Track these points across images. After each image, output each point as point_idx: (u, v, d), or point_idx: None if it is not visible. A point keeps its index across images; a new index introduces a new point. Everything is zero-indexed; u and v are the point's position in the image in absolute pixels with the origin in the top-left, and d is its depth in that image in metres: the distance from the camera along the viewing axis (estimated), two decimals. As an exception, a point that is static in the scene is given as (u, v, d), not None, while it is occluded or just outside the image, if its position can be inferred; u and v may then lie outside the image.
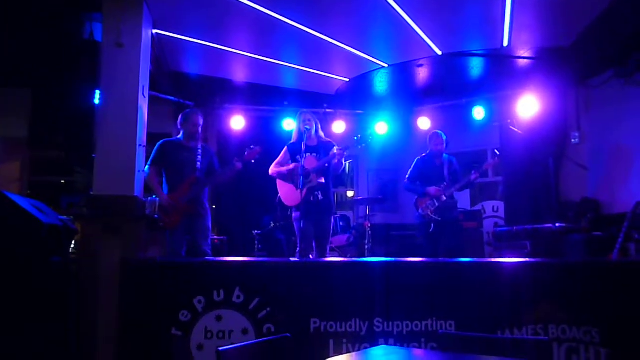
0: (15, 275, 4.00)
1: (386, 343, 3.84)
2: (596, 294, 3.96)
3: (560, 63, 7.04)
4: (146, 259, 4.98)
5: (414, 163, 6.58)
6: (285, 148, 5.75)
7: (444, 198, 6.15)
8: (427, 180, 6.35)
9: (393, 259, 4.56)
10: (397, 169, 9.98)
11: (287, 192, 5.57)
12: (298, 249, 5.50)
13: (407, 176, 6.58)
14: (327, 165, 5.46)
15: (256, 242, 7.89)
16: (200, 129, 5.47)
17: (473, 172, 6.24)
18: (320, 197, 5.42)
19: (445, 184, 6.20)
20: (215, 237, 7.82)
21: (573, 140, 7.78)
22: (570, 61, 6.96)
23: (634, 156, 6.74)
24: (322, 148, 5.57)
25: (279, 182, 5.66)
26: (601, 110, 7.43)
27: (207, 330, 3.82)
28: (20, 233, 4.05)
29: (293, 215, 5.59)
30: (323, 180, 5.48)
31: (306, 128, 5.49)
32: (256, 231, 7.94)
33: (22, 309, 3.99)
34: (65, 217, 5.14)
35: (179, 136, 5.48)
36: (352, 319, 3.87)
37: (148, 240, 5.38)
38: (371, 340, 3.84)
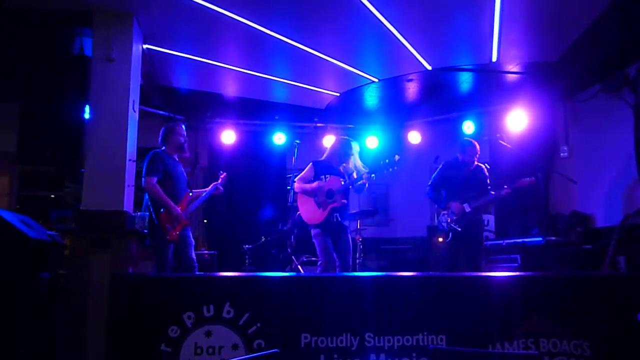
0: (1, 291, 3.96)
1: (377, 358, 3.82)
2: (587, 308, 3.97)
3: (549, 78, 7.12)
4: (135, 274, 4.94)
5: (440, 168, 6.27)
6: (311, 164, 5.72)
7: (468, 209, 5.88)
8: (453, 189, 6.07)
9: (384, 273, 4.56)
10: (387, 182, 10.02)
11: (308, 210, 5.58)
12: (320, 261, 5.57)
13: (429, 182, 6.28)
14: (350, 186, 5.54)
15: (246, 257, 7.85)
16: (187, 140, 5.47)
17: (505, 187, 5.91)
18: (339, 218, 5.51)
19: (471, 196, 5.92)
20: (206, 251, 7.78)
21: (562, 154, 7.85)
22: (558, 76, 7.03)
23: (622, 169, 6.79)
24: (344, 169, 5.66)
25: (300, 199, 5.69)
26: (589, 124, 7.50)
27: (197, 346, 3.78)
28: (7, 248, 4.01)
29: (312, 232, 5.61)
30: (345, 201, 5.53)
31: (351, 154, 5.70)
32: (246, 246, 7.91)
33: (9, 324, 3.95)
34: (54, 232, 5.10)
35: (163, 149, 5.39)
36: (343, 334, 3.85)
37: (138, 255, 5.35)
38: (362, 355, 3.82)
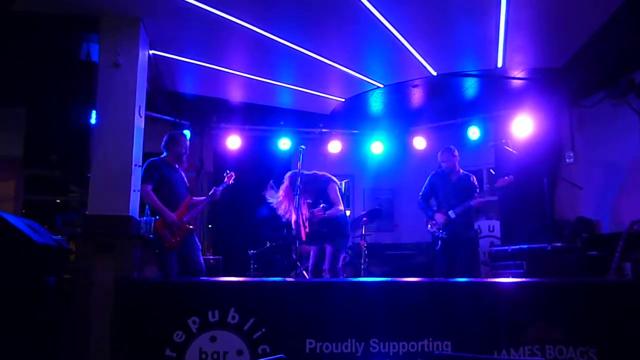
0: (7, 294, 3.97)
1: (382, 364, 3.81)
2: (593, 314, 3.95)
3: (554, 84, 7.11)
4: (140, 278, 4.95)
5: (428, 179, 6.48)
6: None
7: (453, 216, 6.06)
8: (440, 198, 6.29)
9: (389, 279, 4.55)
10: (392, 188, 10.01)
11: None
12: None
13: (420, 193, 6.48)
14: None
15: (251, 262, 7.85)
16: (188, 151, 5.52)
17: (475, 196, 6.09)
18: (324, 230, 5.68)
19: (457, 202, 6.10)
20: (211, 256, 7.78)
21: (567, 160, 7.82)
22: (564, 82, 7.02)
23: (628, 176, 6.77)
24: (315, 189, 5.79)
25: None
26: (595, 130, 7.48)
27: (202, 352, 3.78)
28: (13, 253, 4.03)
29: None
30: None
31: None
32: (252, 251, 7.90)
33: (15, 327, 3.95)
34: (59, 236, 5.11)
35: (162, 156, 5.45)
36: (348, 339, 3.85)
37: (143, 260, 5.36)
38: (367, 361, 3.81)
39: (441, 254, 6.19)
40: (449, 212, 6.09)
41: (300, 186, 5.50)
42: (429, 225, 6.27)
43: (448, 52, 6.30)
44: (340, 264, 5.74)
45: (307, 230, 5.64)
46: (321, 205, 5.57)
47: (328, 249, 5.70)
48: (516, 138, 7.74)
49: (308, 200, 5.70)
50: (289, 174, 5.83)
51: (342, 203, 5.79)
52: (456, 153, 6.32)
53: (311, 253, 5.94)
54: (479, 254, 8.14)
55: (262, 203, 6.14)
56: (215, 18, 5.30)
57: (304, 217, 5.59)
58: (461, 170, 6.36)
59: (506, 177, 6.21)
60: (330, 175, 5.88)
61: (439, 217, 6.15)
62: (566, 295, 4.06)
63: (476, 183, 6.31)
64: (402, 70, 6.84)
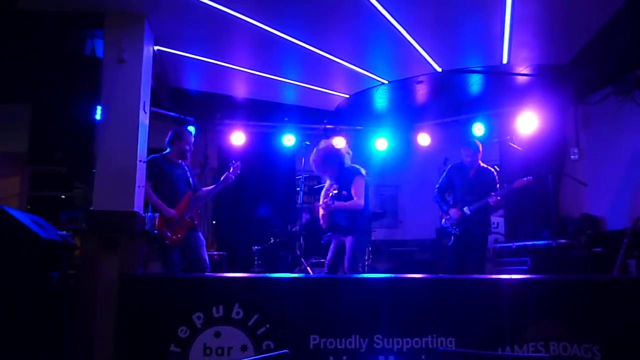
0: (13, 290, 3.99)
1: (386, 360, 3.82)
2: (597, 311, 3.95)
3: (559, 80, 7.08)
4: (145, 274, 4.96)
5: (445, 172, 6.43)
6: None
7: (468, 212, 6.01)
8: (456, 192, 6.24)
9: (393, 275, 4.55)
10: (397, 184, 10.00)
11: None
12: None
13: (436, 186, 6.44)
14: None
15: (256, 258, 7.86)
16: (192, 148, 5.53)
17: (492, 195, 5.99)
18: (342, 222, 5.46)
19: (474, 199, 6.02)
20: (215, 252, 7.80)
21: (572, 157, 7.80)
22: (569, 78, 7.00)
23: (633, 172, 6.75)
24: (342, 177, 5.58)
25: None
26: (600, 126, 7.45)
27: (206, 347, 3.80)
28: (19, 248, 4.04)
29: None
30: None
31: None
32: (256, 247, 7.92)
33: (20, 323, 3.97)
34: (64, 232, 5.13)
35: (165, 152, 5.50)
36: (352, 335, 3.85)
37: (147, 255, 5.37)
38: (371, 357, 3.82)
39: (452, 250, 6.14)
40: (464, 209, 6.04)
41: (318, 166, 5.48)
42: (443, 220, 6.24)
43: (453, 48, 6.28)
44: (360, 262, 5.49)
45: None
46: (330, 194, 5.33)
47: (347, 243, 5.46)
48: (521, 134, 7.72)
49: (334, 191, 5.40)
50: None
51: (363, 198, 5.46)
52: (480, 148, 6.24)
53: (330, 247, 5.70)
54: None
55: (263, 201, 6.15)
56: (219, 14, 5.29)
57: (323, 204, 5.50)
58: (482, 164, 6.25)
59: (525, 179, 6.12)
60: (360, 168, 5.61)
61: (454, 213, 6.09)
62: (570, 292, 4.06)
63: (497, 178, 6.22)
64: (407, 66, 6.82)
